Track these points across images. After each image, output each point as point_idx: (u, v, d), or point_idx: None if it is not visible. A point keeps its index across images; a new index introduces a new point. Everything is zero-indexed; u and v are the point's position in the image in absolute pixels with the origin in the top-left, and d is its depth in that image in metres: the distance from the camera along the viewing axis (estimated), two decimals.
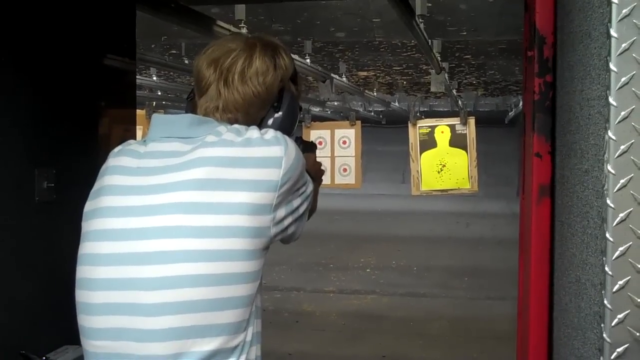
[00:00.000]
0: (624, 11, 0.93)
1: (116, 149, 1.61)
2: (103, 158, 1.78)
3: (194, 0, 3.49)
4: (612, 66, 0.94)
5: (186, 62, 7.22)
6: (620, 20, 0.93)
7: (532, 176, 1.50)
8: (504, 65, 8.12)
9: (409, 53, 7.16)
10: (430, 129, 6.44)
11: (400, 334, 6.54)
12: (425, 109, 13.50)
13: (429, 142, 6.51)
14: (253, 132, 1.51)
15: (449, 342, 6.30)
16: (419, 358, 5.88)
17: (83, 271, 1.49)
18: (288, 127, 1.61)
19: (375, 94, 10.67)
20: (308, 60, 6.00)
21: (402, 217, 13.83)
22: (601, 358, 1.01)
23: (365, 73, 9.20)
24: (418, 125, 6.37)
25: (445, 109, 13.24)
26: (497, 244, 10.60)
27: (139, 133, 3.59)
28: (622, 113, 0.94)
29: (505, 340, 5.49)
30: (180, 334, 1.39)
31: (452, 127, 6.74)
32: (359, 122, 6.99)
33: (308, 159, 1.66)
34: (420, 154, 6.15)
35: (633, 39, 0.93)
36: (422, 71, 8.72)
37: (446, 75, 7.29)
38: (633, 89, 0.93)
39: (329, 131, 6.98)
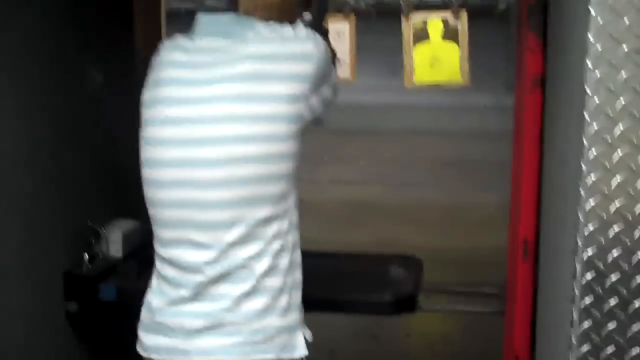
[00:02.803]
0: None
1: (166, 43, 1.83)
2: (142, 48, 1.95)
3: None
4: None
5: None
6: None
7: (526, 69, 1.72)
8: None
9: None
10: (423, 23, 6.52)
11: (394, 221, 6.80)
12: (416, 1, 13.31)
13: (421, 35, 6.59)
14: (288, 30, 1.73)
15: (439, 228, 6.58)
16: (411, 243, 6.17)
17: (150, 152, 1.73)
18: (317, 27, 1.83)
19: None
20: None
21: (392, 110, 13.86)
22: (578, 210, 1.28)
23: None
24: (411, 18, 6.46)
25: (437, 1, 13.07)
26: (485, 136, 10.73)
27: None
28: (600, 20, 1.18)
29: (492, 226, 5.78)
30: (235, 203, 1.66)
31: (444, 21, 6.82)
32: (353, 15, 7.05)
33: None
34: (413, 47, 6.26)
35: None
36: None
37: None
38: (609, 2, 1.17)
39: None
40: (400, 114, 13.75)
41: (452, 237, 6.33)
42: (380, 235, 6.31)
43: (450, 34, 6.42)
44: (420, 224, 6.73)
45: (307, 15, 1.85)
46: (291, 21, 1.84)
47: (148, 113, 1.79)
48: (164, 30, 4.43)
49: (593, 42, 1.21)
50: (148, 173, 1.78)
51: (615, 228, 1.28)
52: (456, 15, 6.45)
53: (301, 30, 1.75)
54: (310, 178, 8.27)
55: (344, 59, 6.55)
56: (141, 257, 2.54)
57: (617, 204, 1.27)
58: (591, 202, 1.26)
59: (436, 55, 6.33)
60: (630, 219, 1.29)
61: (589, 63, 1.20)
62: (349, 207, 7.53)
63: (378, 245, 6.10)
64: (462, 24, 6.47)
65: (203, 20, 1.79)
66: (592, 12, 1.20)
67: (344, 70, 6.68)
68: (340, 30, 6.82)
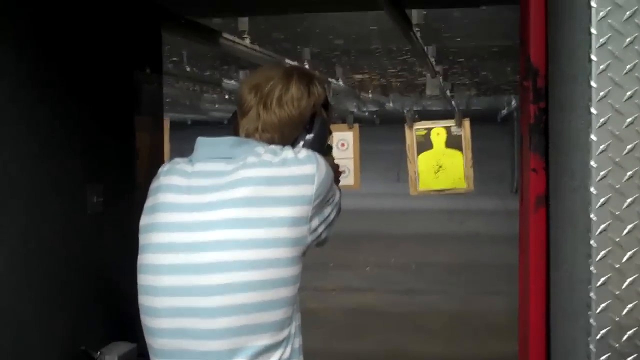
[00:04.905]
0: (601, 67, 1.19)
1: (165, 167, 1.81)
2: (140, 171, 1.97)
3: (199, 13, 3.70)
4: (592, 109, 1.19)
5: (187, 69, 7.42)
6: (599, 74, 1.18)
7: (530, 188, 1.72)
8: (496, 67, 8.32)
9: (404, 57, 7.37)
10: (426, 131, 6.62)
11: (401, 329, 6.73)
12: (419, 109, 13.61)
13: (425, 144, 6.68)
14: (288, 153, 1.72)
15: (448, 337, 6.49)
16: (419, 352, 6.06)
17: (146, 279, 1.70)
18: (318, 147, 1.83)
19: (370, 95, 10.86)
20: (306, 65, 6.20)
21: (397, 216, 13.98)
22: (589, 339, 1.25)
23: (360, 76, 9.41)
24: (414, 127, 6.57)
25: (439, 109, 13.36)
26: (492, 240, 10.77)
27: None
28: (601, 147, 1.19)
29: (502, 333, 5.71)
30: (235, 332, 1.61)
31: (447, 129, 6.92)
32: (356, 126, 7.19)
33: (327, 160, 1.87)
34: (417, 156, 6.35)
35: (609, 89, 1.19)
36: (416, 73, 8.92)
37: (440, 78, 7.50)
38: (609, 127, 1.18)
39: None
40: (405, 219, 13.85)
41: (460, 346, 6.23)
42: (387, 345, 6.22)
43: (453, 142, 6.52)
44: (427, 332, 6.64)
45: (309, 135, 1.84)
46: (293, 142, 1.84)
47: (145, 239, 1.77)
48: (167, 147, 4.48)
49: (596, 167, 1.21)
50: (144, 300, 1.74)
51: (629, 358, 1.25)
52: (459, 124, 6.55)
53: (302, 151, 1.74)
54: (316, 285, 8.28)
55: (349, 167, 6.65)
56: None
57: (629, 332, 1.24)
58: (602, 332, 1.23)
59: (440, 163, 6.41)
60: None
61: (592, 190, 1.20)
62: (355, 315, 7.47)
63: (385, 355, 5.99)
64: (465, 131, 6.57)
65: (203, 143, 1.79)
66: (594, 138, 1.20)
67: (348, 178, 6.76)
68: (345, 139, 6.94)
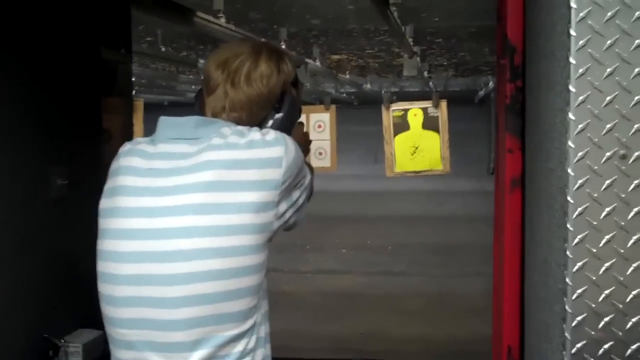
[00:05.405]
0: (580, 42, 1.13)
1: (126, 147, 1.72)
2: (108, 152, 1.90)
3: None
4: (571, 87, 1.13)
5: (162, 50, 7.32)
6: (578, 50, 1.13)
7: (505, 169, 1.67)
8: (474, 48, 8.30)
9: (381, 37, 7.32)
10: (403, 112, 6.59)
11: (379, 311, 6.71)
12: (396, 90, 13.60)
13: (402, 125, 6.65)
14: (255, 134, 1.64)
15: (426, 318, 6.48)
16: (397, 334, 6.04)
17: (105, 266, 1.63)
18: (288, 127, 1.76)
19: (347, 76, 10.80)
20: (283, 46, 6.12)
21: (375, 197, 13.97)
22: (564, 326, 1.21)
23: (338, 57, 9.35)
24: (391, 108, 6.53)
25: (416, 89, 13.35)
26: (470, 221, 10.78)
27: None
28: (580, 126, 1.14)
29: (480, 314, 5.69)
30: (198, 323, 1.55)
31: (424, 110, 6.90)
32: (333, 107, 7.13)
33: (298, 130, 1.80)
34: (394, 137, 6.31)
35: (588, 65, 1.13)
36: (394, 54, 8.88)
37: (418, 59, 7.44)
38: (588, 106, 1.13)
39: (304, 115, 7.11)
40: (383, 201, 13.85)
41: (438, 327, 6.22)
42: (365, 327, 6.19)
43: (430, 123, 6.49)
44: (405, 313, 6.63)
45: (279, 114, 1.77)
46: (262, 121, 1.76)
47: (104, 224, 1.69)
48: (140, 128, 4.40)
49: (574, 147, 1.16)
50: (103, 288, 1.67)
51: (605, 345, 1.20)
52: (436, 105, 6.53)
53: (270, 133, 1.66)
54: (292, 268, 8.22)
55: (325, 149, 6.60)
56: None
57: (605, 318, 1.20)
58: (578, 318, 1.18)
59: (417, 145, 6.38)
60: (621, 334, 1.21)
61: (570, 171, 1.15)
62: (332, 298, 7.43)
63: (362, 337, 5.97)
64: (442, 113, 6.54)
65: (165, 122, 1.71)
66: (572, 117, 1.15)
67: (325, 160, 6.72)
68: (321, 120, 6.89)
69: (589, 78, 1.13)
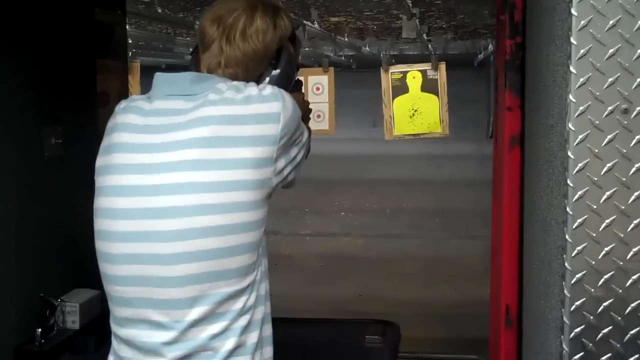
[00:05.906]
0: None
1: (122, 105, 1.69)
2: (105, 114, 1.88)
3: None
4: (572, 40, 1.11)
5: (159, 11, 7.23)
6: (579, 2, 1.10)
7: (504, 127, 1.65)
8: (473, 9, 8.21)
9: None
10: (402, 75, 6.54)
11: (376, 273, 6.73)
12: (396, 53, 13.48)
13: (401, 88, 6.61)
14: (252, 89, 1.62)
15: (423, 281, 6.50)
16: (394, 296, 6.07)
17: (102, 224, 1.61)
18: (285, 84, 1.72)
19: (346, 39, 10.70)
20: None
21: (373, 161, 13.94)
22: (563, 283, 1.20)
23: (336, 19, 9.25)
24: (390, 71, 6.48)
25: (415, 53, 13.24)
26: (468, 185, 10.77)
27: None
28: (581, 80, 1.11)
29: (477, 277, 5.71)
30: (196, 279, 1.53)
31: (423, 73, 6.85)
32: (332, 69, 7.08)
33: (297, 98, 1.77)
34: (393, 100, 6.27)
35: (590, 17, 1.10)
36: (392, 16, 8.79)
37: (417, 21, 7.36)
38: (590, 59, 1.10)
39: (302, 78, 7.07)
40: (381, 164, 13.84)
41: (435, 290, 6.25)
42: (363, 289, 6.22)
43: (429, 86, 6.44)
44: (403, 276, 6.66)
45: (275, 71, 1.74)
46: (258, 78, 1.73)
47: (100, 181, 1.67)
48: (137, 90, 4.35)
49: (575, 101, 1.13)
50: (100, 246, 1.65)
51: (605, 303, 1.19)
52: (435, 67, 6.48)
53: (267, 88, 1.64)
54: (290, 231, 8.23)
55: (324, 112, 6.56)
56: (100, 329, 2.41)
57: (605, 275, 1.18)
58: (577, 276, 1.17)
59: (416, 107, 6.34)
60: (620, 292, 1.20)
61: (570, 126, 1.13)
62: (330, 260, 7.46)
63: (360, 300, 6.00)
64: (441, 75, 6.49)
65: (161, 79, 1.68)
66: (574, 71, 1.13)
67: (323, 123, 6.69)
68: (320, 83, 6.84)
69: (591, 30, 1.10)
